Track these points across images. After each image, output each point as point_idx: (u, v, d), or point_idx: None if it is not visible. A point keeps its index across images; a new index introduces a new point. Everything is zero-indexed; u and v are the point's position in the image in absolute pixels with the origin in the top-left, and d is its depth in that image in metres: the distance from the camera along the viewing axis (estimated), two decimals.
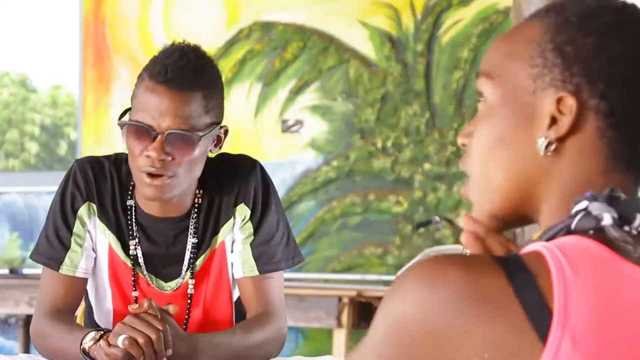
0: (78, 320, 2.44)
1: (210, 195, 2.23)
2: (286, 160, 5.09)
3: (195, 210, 2.23)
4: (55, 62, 5.82)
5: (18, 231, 5.55)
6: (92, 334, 2.03)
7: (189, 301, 2.24)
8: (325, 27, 5.05)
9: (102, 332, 2.02)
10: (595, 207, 1.00)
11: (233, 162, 2.26)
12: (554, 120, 1.05)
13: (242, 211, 2.23)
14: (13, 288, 4.91)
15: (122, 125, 2.12)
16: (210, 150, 2.18)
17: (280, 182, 5.07)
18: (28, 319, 4.96)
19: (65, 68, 5.67)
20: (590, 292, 0.95)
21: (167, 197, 2.14)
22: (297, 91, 5.08)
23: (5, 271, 5.08)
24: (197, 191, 2.23)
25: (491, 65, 1.11)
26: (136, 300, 2.24)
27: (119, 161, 2.23)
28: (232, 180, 2.23)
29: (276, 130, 5.11)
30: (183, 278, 2.24)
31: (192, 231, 2.23)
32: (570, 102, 1.04)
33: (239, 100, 5.16)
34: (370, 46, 4.97)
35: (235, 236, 2.24)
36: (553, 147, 1.05)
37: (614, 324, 0.94)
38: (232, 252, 2.25)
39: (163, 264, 2.24)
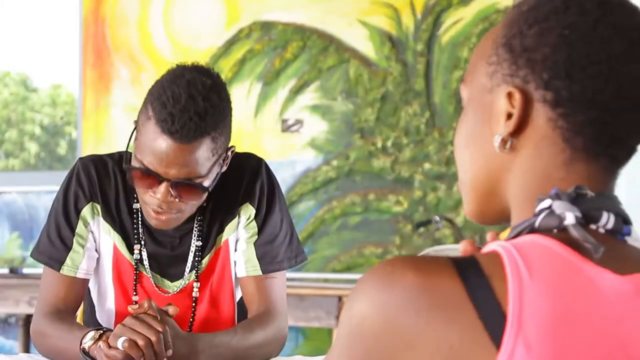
0: (78, 319, 2.44)
1: (216, 196, 2.23)
2: (286, 160, 5.09)
3: (201, 211, 2.22)
4: (55, 62, 5.81)
5: (18, 231, 5.55)
6: (91, 334, 2.02)
7: (193, 302, 2.25)
8: (325, 26, 5.05)
9: (102, 332, 2.02)
10: (558, 206, 0.98)
11: (239, 161, 2.26)
12: (510, 117, 1.04)
13: (247, 210, 2.23)
14: (13, 288, 4.91)
15: (128, 169, 2.09)
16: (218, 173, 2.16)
17: (281, 181, 5.04)
18: (28, 318, 4.96)
19: (65, 68, 5.67)
20: (547, 295, 0.93)
21: (172, 227, 2.14)
22: (297, 91, 5.08)
23: (5, 271, 5.08)
24: None
25: (467, 70, 1.11)
26: (137, 302, 2.23)
27: (123, 160, 2.20)
28: (238, 179, 2.23)
29: (276, 130, 5.11)
30: (187, 279, 2.24)
31: (196, 233, 2.23)
32: (517, 96, 1.03)
33: (239, 100, 5.16)
34: (370, 46, 4.97)
35: (240, 235, 2.24)
36: (509, 144, 1.04)
37: (569, 328, 0.92)
38: (235, 250, 2.25)
39: (169, 264, 2.24)
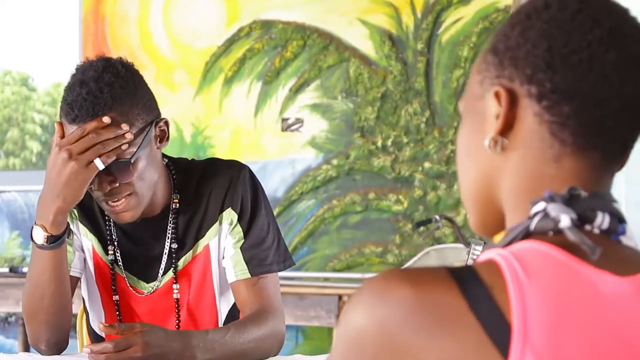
0: (78, 321, 2.45)
1: (195, 199, 2.23)
2: (286, 159, 5.09)
3: (174, 212, 2.22)
4: (56, 61, 5.81)
5: (18, 230, 5.55)
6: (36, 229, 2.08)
7: (176, 304, 2.24)
8: (325, 25, 5.04)
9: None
10: (553, 208, 0.97)
11: (221, 167, 2.26)
12: (499, 118, 1.04)
13: (229, 215, 2.22)
14: (13, 287, 4.90)
15: None
16: (158, 148, 2.17)
17: (280, 180, 5.07)
18: None
19: (66, 67, 5.67)
20: (549, 301, 0.92)
21: (136, 214, 2.14)
22: (297, 90, 5.08)
23: (5, 270, 5.08)
24: (173, 195, 2.23)
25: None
26: (118, 304, 2.25)
27: None
28: (220, 184, 2.23)
29: (276, 129, 5.11)
30: (161, 281, 2.24)
31: (170, 234, 2.22)
32: (503, 94, 1.04)
33: (239, 99, 5.16)
34: (370, 45, 4.97)
35: (227, 242, 2.23)
36: (500, 143, 1.04)
37: (574, 333, 0.92)
38: (223, 257, 2.24)
39: (144, 265, 2.25)
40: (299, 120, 5.08)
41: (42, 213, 2.07)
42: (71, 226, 2.24)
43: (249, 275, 2.21)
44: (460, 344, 0.91)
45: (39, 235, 2.07)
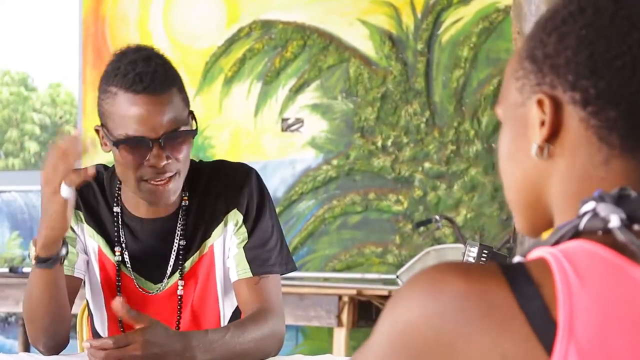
0: (78, 321, 2.45)
1: (202, 200, 2.24)
2: (286, 159, 5.09)
3: (184, 212, 2.23)
4: (55, 62, 5.82)
5: (18, 230, 5.55)
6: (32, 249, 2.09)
7: (179, 303, 2.25)
8: (326, 26, 5.05)
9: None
10: (603, 208, 0.98)
11: (229, 169, 2.27)
12: (543, 124, 1.05)
13: (235, 216, 2.23)
14: (13, 287, 4.90)
15: (117, 145, 2.10)
16: None
17: (280, 181, 5.07)
18: None
19: (65, 67, 5.67)
20: (597, 301, 0.93)
21: (172, 199, 2.15)
22: (297, 90, 5.08)
23: (5, 270, 5.08)
24: (183, 193, 2.23)
25: (500, 93, 1.13)
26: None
27: (98, 171, 2.22)
28: (226, 186, 2.24)
29: (276, 129, 5.11)
30: (168, 282, 2.24)
31: (179, 233, 2.23)
32: (547, 102, 1.04)
33: (239, 99, 5.16)
34: (370, 45, 4.97)
35: (231, 242, 2.23)
36: (546, 150, 1.05)
37: (622, 333, 0.93)
38: (228, 257, 2.25)
39: (152, 265, 2.25)
40: (299, 121, 5.08)
41: (38, 231, 2.09)
42: (75, 228, 2.24)
43: (250, 275, 2.21)
44: (508, 338, 0.92)
45: (32, 251, 2.09)
